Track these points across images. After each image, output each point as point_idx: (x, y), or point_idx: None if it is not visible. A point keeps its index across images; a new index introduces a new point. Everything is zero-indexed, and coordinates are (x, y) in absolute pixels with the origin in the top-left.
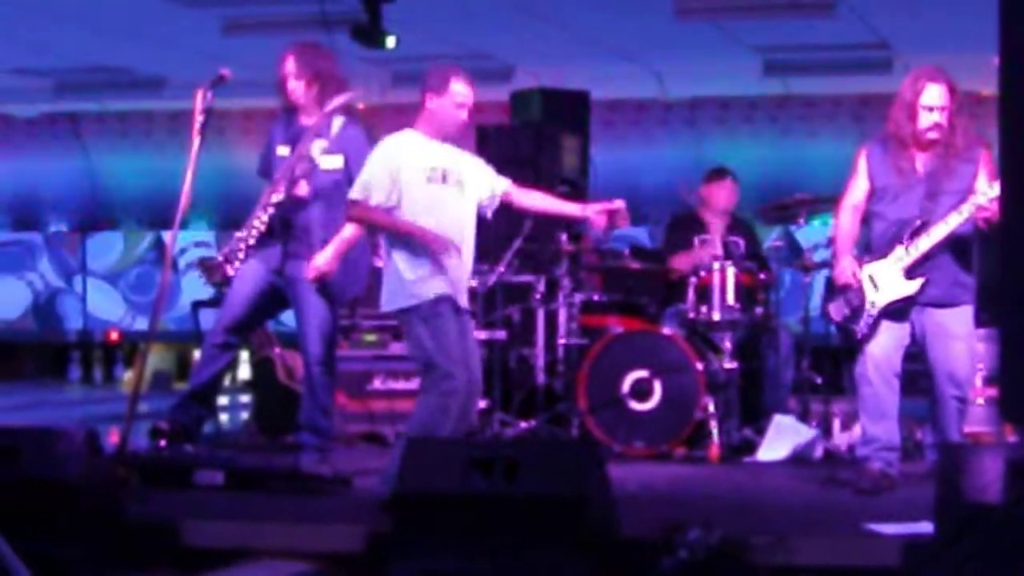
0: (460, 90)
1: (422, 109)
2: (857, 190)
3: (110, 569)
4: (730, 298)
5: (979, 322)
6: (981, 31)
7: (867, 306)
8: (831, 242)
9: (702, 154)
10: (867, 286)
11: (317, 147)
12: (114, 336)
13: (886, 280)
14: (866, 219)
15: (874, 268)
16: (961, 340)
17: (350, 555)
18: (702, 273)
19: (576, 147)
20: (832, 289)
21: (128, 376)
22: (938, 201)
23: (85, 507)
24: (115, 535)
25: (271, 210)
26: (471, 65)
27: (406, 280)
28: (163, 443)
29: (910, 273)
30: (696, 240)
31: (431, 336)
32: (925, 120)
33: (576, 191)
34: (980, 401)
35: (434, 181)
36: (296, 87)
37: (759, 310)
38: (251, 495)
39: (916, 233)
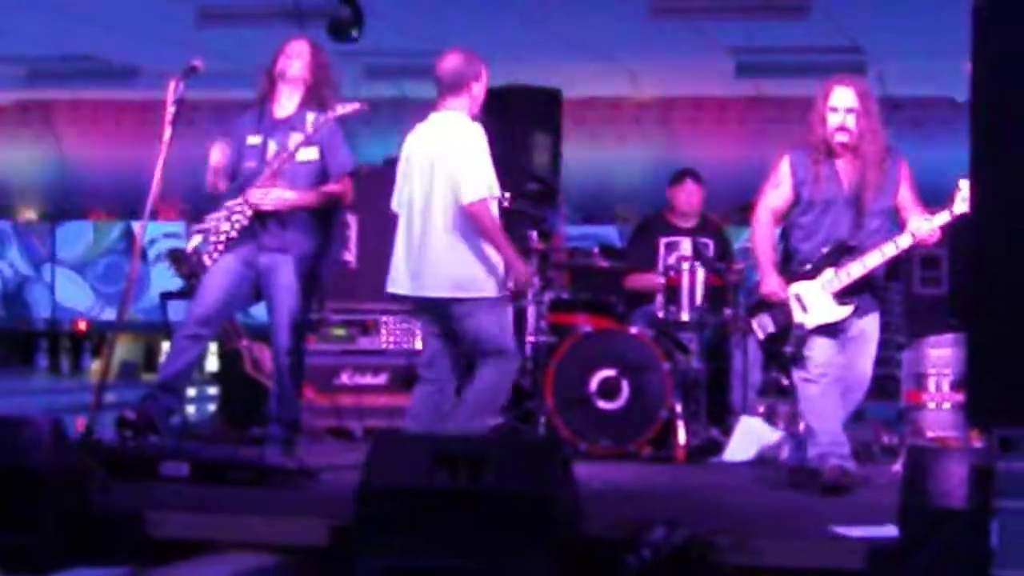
0: (487, 75)
1: (466, 95)
2: (777, 198)
3: (74, 559)
4: (699, 299)
5: (948, 327)
6: (954, 37)
7: (794, 327)
8: (750, 251)
9: (673, 153)
10: (794, 306)
11: (293, 140)
12: (82, 326)
13: (815, 302)
14: (785, 228)
15: (801, 288)
16: (871, 346)
17: (315, 549)
18: (671, 274)
19: (547, 145)
20: (759, 304)
21: (95, 366)
22: (866, 223)
23: (50, 496)
24: (80, 525)
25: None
26: None
27: (485, 271)
28: (129, 434)
29: (841, 297)
30: (663, 242)
31: (500, 324)
32: (832, 121)
33: (547, 189)
34: (947, 406)
35: None
36: (300, 69)
37: (728, 311)
38: (216, 487)
39: (847, 257)
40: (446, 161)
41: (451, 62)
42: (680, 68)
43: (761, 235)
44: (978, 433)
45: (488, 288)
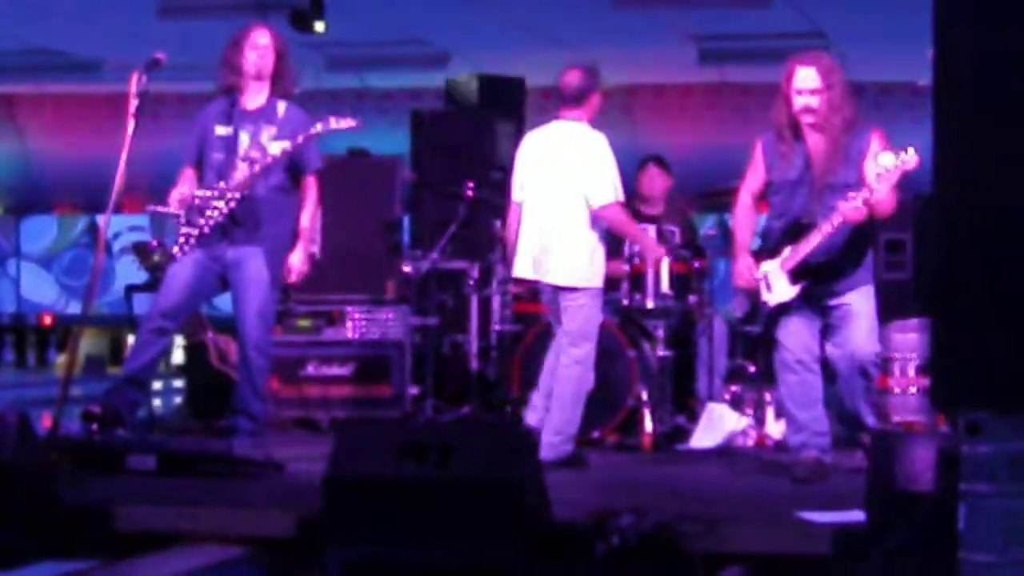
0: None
1: (588, 106)
2: (754, 180)
3: (42, 552)
4: (664, 286)
5: (912, 312)
6: (916, 22)
7: (761, 306)
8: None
9: (637, 141)
10: (762, 285)
11: (266, 132)
12: (47, 320)
13: (776, 281)
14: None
15: (768, 267)
16: (861, 318)
17: (282, 540)
18: (636, 261)
19: (511, 133)
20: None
21: (61, 360)
22: (825, 199)
23: (17, 490)
24: (47, 519)
25: (232, 202)
26: (408, 51)
27: (595, 264)
28: (95, 427)
29: (793, 277)
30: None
31: (596, 316)
32: (797, 103)
33: (510, 177)
34: (913, 391)
35: None
36: (271, 63)
37: (693, 298)
38: (183, 480)
39: (802, 235)
40: (573, 168)
41: (574, 77)
42: (643, 56)
43: (737, 217)
44: (944, 417)
45: (593, 281)
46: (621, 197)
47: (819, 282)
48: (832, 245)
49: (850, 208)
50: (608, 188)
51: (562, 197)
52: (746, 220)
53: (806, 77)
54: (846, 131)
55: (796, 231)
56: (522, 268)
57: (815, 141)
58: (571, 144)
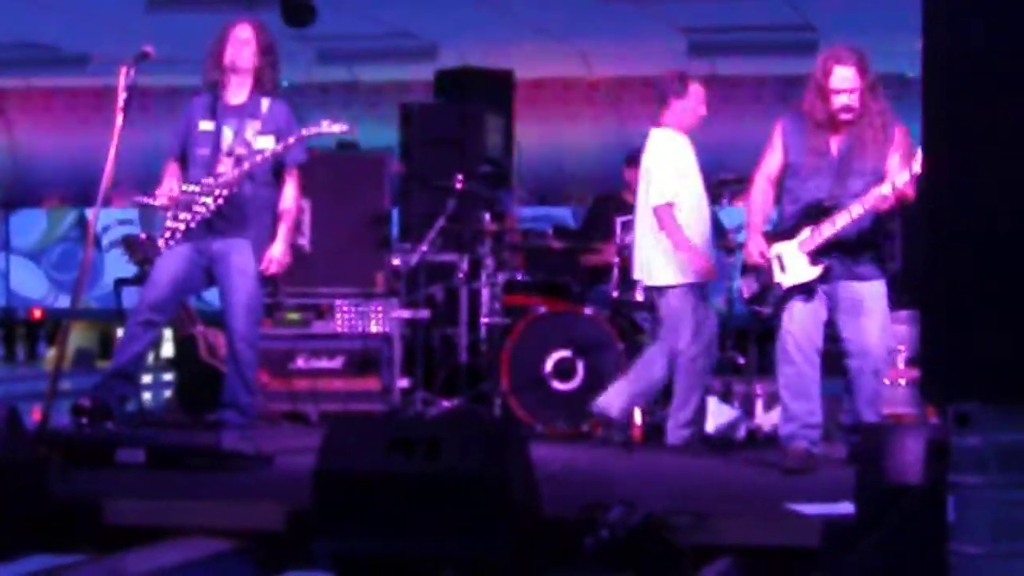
0: (699, 89)
1: (669, 111)
2: (772, 162)
3: (32, 546)
4: None
5: (901, 303)
6: (904, 14)
7: (773, 287)
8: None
9: (626, 133)
10: (775, 266)
11: (251, 127)
12: (37, 314)
13: (792, 262)
14: (779, 195)
15: (782, 248)
16: (875, 314)
17: (271, 533)
18: (625, 253)
19: (500, 126)
20: (745, 266)
21: (50, 354)
22: (848, 184)
23: (7, 485)
24: (37, 513)
25: (220, 199)
26: (396, 44)
27: (674, 264)
28: (84, 421)
29: (814, 257)
30: (618, 222)
31: (684, 311)
32: (836, 102)
33: (499, 170)
34: (902, 382)
35: (690, 177)
36: (249, 57)
37: None
38: (173, 473)
39: (823, 217)
40: (648, 172)
41: (661, 79)
42: (632, 48)
43: (753, 199)
44: (934, 408)
45: (675, 278)
46: (672, 200)
47: (838, 263)
48: (856, 230)
49: (879, 195)
50: (657, 190)
51: (642, 201)
52: (761, 202)
53: (845, 77)
54: (876, 122)
55: (817, 213)
56: (635, 271)
57: (847, 132)
58: (649, 151)
